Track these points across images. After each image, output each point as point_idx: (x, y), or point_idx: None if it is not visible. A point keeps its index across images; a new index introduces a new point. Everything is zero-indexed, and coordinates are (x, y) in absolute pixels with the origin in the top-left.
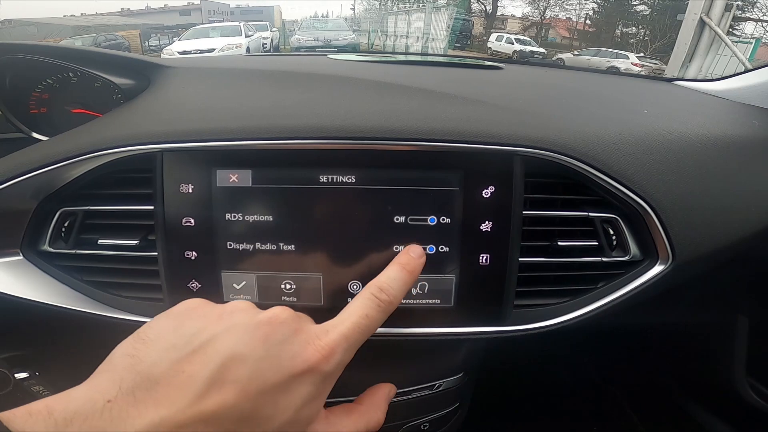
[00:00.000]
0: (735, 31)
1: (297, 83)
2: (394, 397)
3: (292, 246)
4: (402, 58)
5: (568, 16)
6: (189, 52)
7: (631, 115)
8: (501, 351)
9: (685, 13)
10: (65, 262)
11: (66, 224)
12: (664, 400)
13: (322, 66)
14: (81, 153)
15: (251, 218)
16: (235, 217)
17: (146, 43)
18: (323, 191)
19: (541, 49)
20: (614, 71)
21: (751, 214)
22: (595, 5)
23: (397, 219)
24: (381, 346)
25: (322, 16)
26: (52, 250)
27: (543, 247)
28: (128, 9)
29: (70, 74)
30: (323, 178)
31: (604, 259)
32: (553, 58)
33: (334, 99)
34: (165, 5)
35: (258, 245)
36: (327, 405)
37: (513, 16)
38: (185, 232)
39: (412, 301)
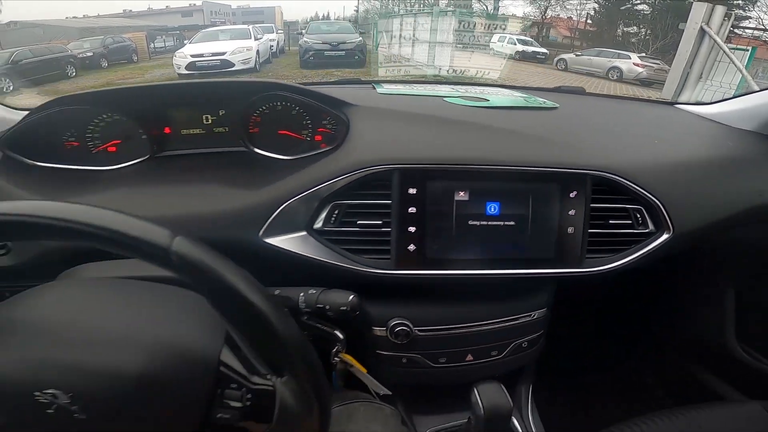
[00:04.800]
0: (733, 39)
1: (442, 124)
2: (509, 322)
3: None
4: (484, 103)
5: (569, 15)
6: (201, 56)
7: (650, 146)
8: (571, 294)
9: (686, 22)
10: (332, 237)
11: (336, 212)
12: (674, 364)
13: (449, 111)
14: (347, 171)
15: (442, 208)
16: (435, 207)
17: (152, 45)
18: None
19: (544, 50)
20: (618, 72)
21: (727, 203)
22: (596, 5)
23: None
24: (503, 283)
25: (323, 18)
26: (325, 228)
27: (600, 225)
28: (130, 10)
29: (281, 103)
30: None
31: (634, 231)
32: (555, 59)
33: (479, 139)
34: (167, 6)
35: (444, 224)
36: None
37: (514, 16)
38: (409, 216)
39: (526, 254)
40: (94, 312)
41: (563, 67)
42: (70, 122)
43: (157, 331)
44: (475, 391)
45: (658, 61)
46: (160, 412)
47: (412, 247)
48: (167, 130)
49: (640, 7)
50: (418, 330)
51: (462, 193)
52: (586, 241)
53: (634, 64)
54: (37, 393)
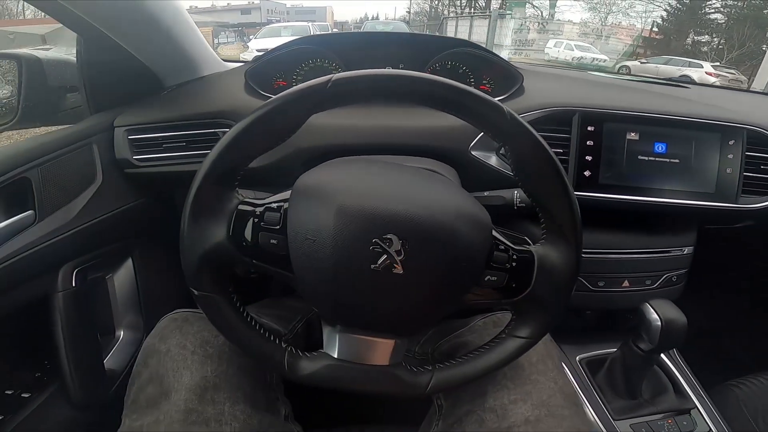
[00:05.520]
0: None
1: (602, 85)
2: (662, 253)
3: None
4: (624, 77)
5: (632, 22)
6: (265, 50)
7: None
8: (712, 242)
9: None
10: None
11: None
12: None
13: (598, 78)
14: (537, 108)
15: (615, 144)
16: (609, 142)
17: (216, 40)
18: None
19: (603, 56)
20: (688, 80)
21: None
22: (664, 12)
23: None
24: (659, 215)
25: (372, 18)
26: None
27: (753, 170)
28: (196, 6)
29: (451, 63)
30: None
31: None
32: (617, 66)
33: (643, 95)
34: (228, 3)
35: (616, 156)
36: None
37: (570, 22)
38: (587, 148)
39: (688, 187)
40: (400, 178)
41: (626, 74)
42: (282, 65)
43: (456, 199)
44: (650, 306)
45: (733, 71)
46: (455, 269)
47: (587, 173)
48: None
49: (714, 15)
50: (583, 252)
51: (633, 134)
52: (741, 182)
53: (706, 73)
54: (375, 239)
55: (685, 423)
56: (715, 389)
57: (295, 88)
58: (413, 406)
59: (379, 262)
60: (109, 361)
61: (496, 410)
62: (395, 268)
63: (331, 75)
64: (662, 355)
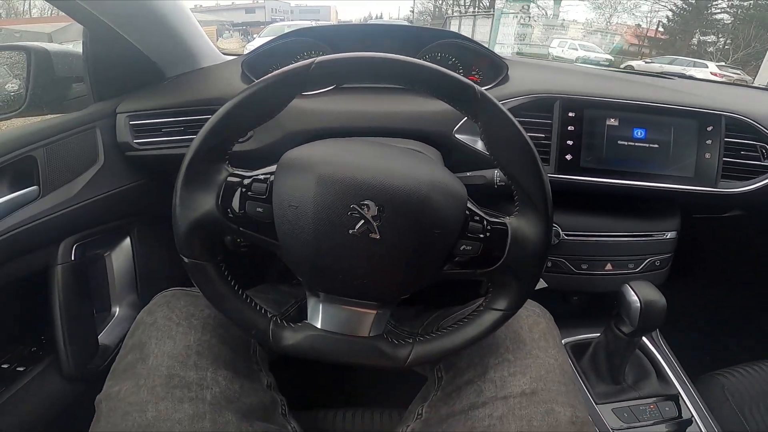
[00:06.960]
0: None
1: (584, 74)
2: (645, 237)
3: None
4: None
5: (637, 23)
6: None
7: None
8: (694, 232)
9: None
10: None
11: None
12: None
13: (584, 68)
14: (520, 95)
15: (595, 129)
16: (589, 127)
17: (220, 39)
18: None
19: (608, 56)
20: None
21: None
22: (670, 13)
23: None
24: (641, 199)
25: (375, 17)
26: None
27: (733, 155)
28: (200, 6)
29: (440, 54)
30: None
31: (761, 162)
32: (622, 66)
33: (624, 84)
34: (232, 2)
35: (596, 141)
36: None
37: (575, 22)
38: (568, 133)
39: (668, 172)
40: (379, 152)
41: None
42: (278, 55)
43: (431, 171)
44: (630, 288)
45: (738, 71)
46: (430, 236)
47: (569, 156)
48: None
49: (720, 16)
50: (566, 234)
51: (613, 120)
52: (721, 166)
53: (711, 73)
54: (353, 205)
55: (667, 409)
56: (700, 378)
57: (281, 69)
58: (399, 388)
59: (357, 227)
60: (104, 336)
61: (495, 381)
62: (372, 233)
63: (315, 58)
64: (646, 341)
